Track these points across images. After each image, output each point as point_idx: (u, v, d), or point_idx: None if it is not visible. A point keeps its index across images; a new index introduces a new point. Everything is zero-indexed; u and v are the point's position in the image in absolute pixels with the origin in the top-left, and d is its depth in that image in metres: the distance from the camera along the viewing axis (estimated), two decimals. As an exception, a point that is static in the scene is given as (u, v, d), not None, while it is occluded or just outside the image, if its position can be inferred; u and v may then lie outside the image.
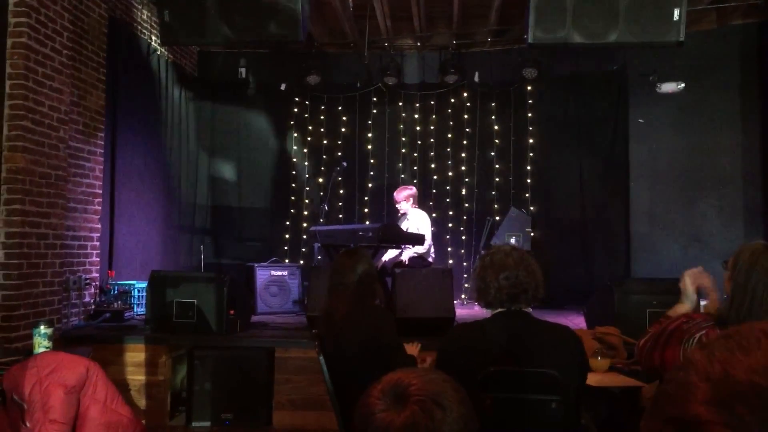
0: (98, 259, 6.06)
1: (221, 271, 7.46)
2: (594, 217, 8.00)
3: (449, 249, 8.34)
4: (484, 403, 2.33)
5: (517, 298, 2.49)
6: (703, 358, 0.71)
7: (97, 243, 6.05)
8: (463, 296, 8.06)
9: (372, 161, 8.58)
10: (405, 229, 6.53)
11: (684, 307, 2.65)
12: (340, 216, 8.46)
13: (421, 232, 6.48)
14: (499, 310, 2.54)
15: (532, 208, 8.13)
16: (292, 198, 8.58)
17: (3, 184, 4.83)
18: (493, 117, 8.36)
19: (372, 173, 8.58)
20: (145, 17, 6.98)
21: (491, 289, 2.50)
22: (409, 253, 6.60)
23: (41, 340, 3.61)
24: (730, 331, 0.74)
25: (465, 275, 8.15)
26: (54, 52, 5.21)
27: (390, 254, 6.77)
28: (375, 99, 8.56)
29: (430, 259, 6.69)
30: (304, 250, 8.43)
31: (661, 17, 5.55)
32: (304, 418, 5.08)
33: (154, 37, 7.05)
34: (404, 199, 6.87)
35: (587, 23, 5.58)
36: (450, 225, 8.37)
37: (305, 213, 8.52)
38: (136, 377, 5.24)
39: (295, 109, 8.64)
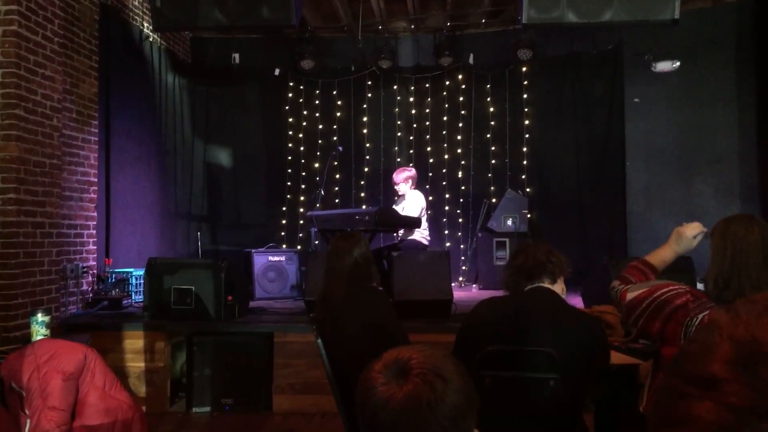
0: (95, 248, 6.06)
1: (218, 257, 7.48)
2: (590, 197, 8.00)
3: (446, 232, 8.34)
4: (483, 382, 2.34)
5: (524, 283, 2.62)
6: (728, 320, 0.72)
7: (94, 231, 6.04)
8: (460, 279, 8.08)
9: (368, 145, 8.56)
10: (401, 211, 6.54)
11: (668, 253, 2.66)
12: (337, 200, 8.45)
13: (411, 214, 6.49)
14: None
15: (528, 190, 8.12)
16: (289, 183, 8.56)
17: (-3, 174, 4.81)
18: (489, 99, 8.34)
19: (368, 157, 8.56)
20: (136, 3, 6.92)
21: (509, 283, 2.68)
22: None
23: (39, 327, 3.61)
24: (756, 296, 0.75)
25: (462, 258, 8.17)
26: (45, 39, 5.17)
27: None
28: (369, 83, 8.53)
29: (425, 241, 6.69)
30: (301, 235, 8.43)
31: (655, -5, 5.52)
32: (304, 402, 5.11)
33: (146, 24, 7.00)
34: (403, 180, 6.86)
35: (581, 2, 5.56)
36: (447, 208, 8.37)
37: (302, 198, 8.51)
38: (136, 364, 5.25)
39: (290, 94, 8.60)
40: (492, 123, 8.31)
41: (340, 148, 7.76)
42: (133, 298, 6.04)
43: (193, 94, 8.31)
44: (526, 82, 8.26)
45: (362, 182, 8.54)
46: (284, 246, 8.14)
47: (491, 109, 8.32)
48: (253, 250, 6.98)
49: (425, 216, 6.80)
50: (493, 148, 8.28)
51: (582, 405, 2.59)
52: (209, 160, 8.49)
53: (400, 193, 6.96)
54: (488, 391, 2.38)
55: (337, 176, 8.47)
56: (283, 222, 8.50)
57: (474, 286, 7.71)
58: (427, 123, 8.50)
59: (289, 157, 8.59)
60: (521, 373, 2.44)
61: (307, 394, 5.11)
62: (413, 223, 6.33)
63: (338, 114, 8.57)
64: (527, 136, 8.24)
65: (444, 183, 8.39)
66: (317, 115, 8.59)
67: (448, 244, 8.23)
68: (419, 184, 7.23)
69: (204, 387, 5.23)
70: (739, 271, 2.23)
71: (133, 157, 6.75)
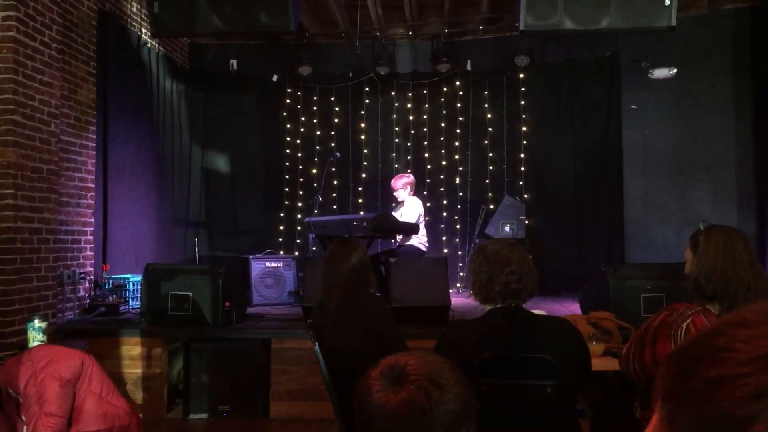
0: (92, 254, 6.04)
1: (216, 263, 7.47)
2: (588, 204, 8.01)
3: (444, 238, 8.34)
4: (480, 389, 2.33)
5: (519, 294, 2.49)
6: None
7: (91, 237, 6.03)
8: (458, 285, 8.08)
9: (365, 151, 8.56)
10: (399, 217, 6.53)
11: None
12: (334, 207, 8.44)
13: (409, 220, 6.48)
14: (497, 306, 2.52)
15: (526, 196, 8.13)
16: (286, 189, 8.56)
17: (-6, 179, 4.81)
18: (486, 105, 8.35)
19: (365, 163, 8.56)
20: (135, 9, 6.93)
21: (496, 285, 2.48)
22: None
23: (35, 333, 3.60)
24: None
25: (460, 264, 8.16)
26: (43, 45, 5.18)
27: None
28: (367, 89, 8.54)
29: (423, 247, 6.68)
30: (298, 241, 8.42)
31: (652, 2, 5.54)
32: (301, 408, 5.10)
33: (144, 30, 7.01)
34: (402, 186, 6.85)
35: (579, 9, 5.58)
36: (444, 214, 8.36)
37: (299, 204, 8.51)
38: (133, 371, 5.24)
39: (288, 101, 8.60)
40: (490, 129, 8.33)
41: (338, 154, 7.76)
42: (130, 304, 6.03)
43: (191, 100, 8.31)
44: (523, 89, 8.27)
45: (360, 188, 8.54)
46: (282, 252, 8.14)
47: (489, 116, 8.33)
48: (251, 256, 6.97)
49: (423, 222, 6.80)
50: (490, 155, 8.29)
51: (573, 407, 2.58)
52: (207, 166, 8.49)
53: (398, 200, 6.96)
54: (484, 398, 2.38)
55: (335, 182, 8.47)
56: (281, 228, 8.50)
57: (471, 292, 7.68)
58: (425, 129, 8.51)
59: (287, 163, 8.59)
60: (518, 380, 2.44)
61: (304, 400, 5.10)
62: (411, 229, 6.33)
63: (336, 120, 8.58)
64: (525, 142, 8.25)
65: (442, 189, 8.39)
66: (315, 121, 8.59)
67: (445, 251, 8.22)
68: (417, 190, 7.23)
69: (201, 393, 5.21)
70: (723, 268, 2.31)
71: (131, 162, 6.74)
